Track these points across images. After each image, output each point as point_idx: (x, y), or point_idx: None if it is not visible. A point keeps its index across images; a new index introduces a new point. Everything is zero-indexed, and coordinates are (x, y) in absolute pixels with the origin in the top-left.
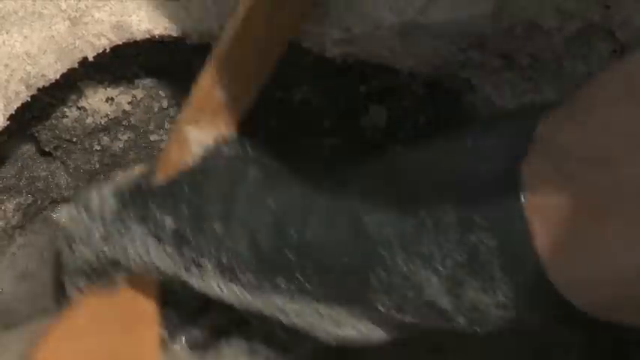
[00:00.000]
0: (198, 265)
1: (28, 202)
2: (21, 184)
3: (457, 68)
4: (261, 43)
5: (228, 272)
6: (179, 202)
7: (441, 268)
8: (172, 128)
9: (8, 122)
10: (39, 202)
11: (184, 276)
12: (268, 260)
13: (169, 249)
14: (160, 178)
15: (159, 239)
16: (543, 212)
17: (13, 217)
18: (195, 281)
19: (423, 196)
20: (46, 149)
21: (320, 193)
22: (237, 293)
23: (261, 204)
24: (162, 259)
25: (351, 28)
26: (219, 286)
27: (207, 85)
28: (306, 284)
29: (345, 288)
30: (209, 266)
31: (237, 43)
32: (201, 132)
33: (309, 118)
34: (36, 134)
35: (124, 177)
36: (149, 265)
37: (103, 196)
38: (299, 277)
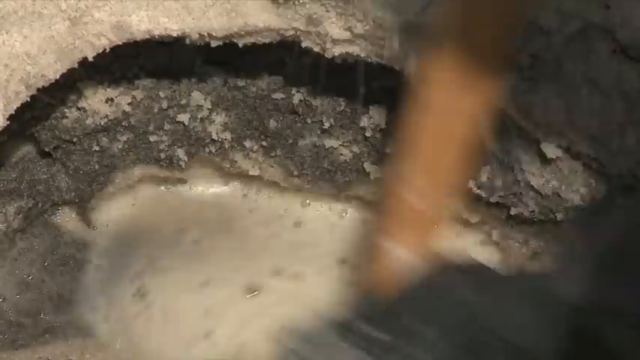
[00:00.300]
0: None
1: (29, 205)
2: (22, 187)
3: None
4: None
5: None
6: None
7: None
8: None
9: (8, 122)
10: (40, 205)
11: None
12: None
13: None
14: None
15: None
16: None
17: (14, 220)
18: None
19: None
20: (46, 149)
21: None
22: None
23: None
24: None
25: (351, 28)
26: None
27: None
28: None
29: None
30: None
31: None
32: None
33: (308, 119)
34: (36, 134)
35: None
36: None
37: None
38: None
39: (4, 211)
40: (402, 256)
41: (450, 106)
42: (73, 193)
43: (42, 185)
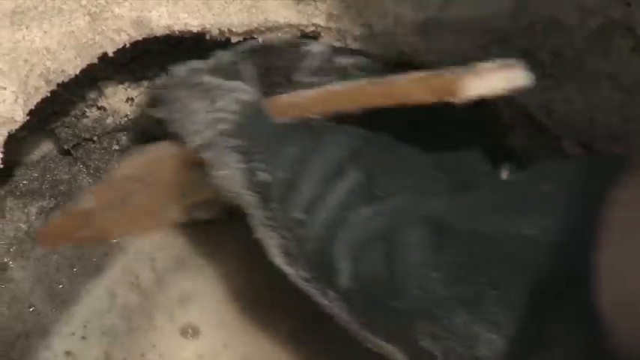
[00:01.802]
0: (266, 231)
1: (51, 205)
2: (43, 187)
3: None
4: None
5: (288, 256)
6: (282, 162)
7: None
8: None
9: (28, 117)
10: (61, 204)
11: (252, 223)
12: (326, 272)
13: (251, 198)
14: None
15: (249, 183)
16: (616, 265)
17: (36, 220)
18: (258, 233)
19: (485, 262)
20: (66, 147)
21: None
22: (287, 272)
23: (346, 216)
24: (243, 198)
25: (371, 25)
26: (274, 256)
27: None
28: (352, 308)
29: (390, 325)
30: (274, 239)
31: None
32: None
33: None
34: (56, 131)
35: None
36: (231, 189)
37: (227, 107)
38: (347, 299)
39: (25, 211)
40: None
41: None
42: None
43: (64, 185)
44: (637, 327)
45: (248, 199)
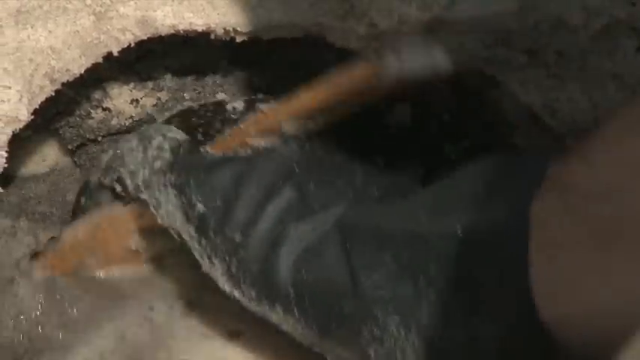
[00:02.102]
0: (210, 261)
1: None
2: (54, 210)
3: (482, 64)
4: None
5: (234, 280)
6: (216, 190)
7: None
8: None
9: (33, 117)
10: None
11: (197, 257)
12: (272, 288)
13: (192, 231)
14: (213, 150)
15: (187, 217)
16: (548, 250)
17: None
18: (204, 266)
19: (422, 263)
20: (69, 147)
21: (340, 230)
22: (238, 297)
23: (285, 232)
24: (184, 232)
25: (376, 24)
26: (223, 284)
27: (272, 116)
28: (302, 319)
29: (340, 331)
30: (219, 268)
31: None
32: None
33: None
34: (60, 131)
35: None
36: (172, 225)
37: (161, 145)
38: (295, 311)
39: (34, 234)
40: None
41: None
42: None
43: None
44: (577, 333)
45: (189, 231)
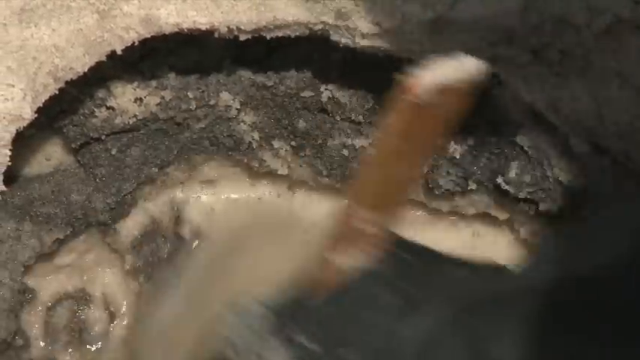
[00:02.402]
0: None
1: (67, 233)
2: (58, 212)
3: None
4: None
5: None
6: (320, 330)
7: None
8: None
9: (36, 115)
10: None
11: None
12: None
13: None
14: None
15: None
16: None
17: (49, 247)
18: None
19: None
20: (73, 146)
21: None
22: None
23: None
24: None
25: (380, 23)
26: None
27: (345, 218)
28: None
29: None
30: None
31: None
32: (344, 256)
33: (337, 116)
34: (64, 130)
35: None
36: None
37: (260, 312)
38: None
39: (39, 236)
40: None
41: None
42: (107, 214)
43: (78, 210)
44: None
45: None
